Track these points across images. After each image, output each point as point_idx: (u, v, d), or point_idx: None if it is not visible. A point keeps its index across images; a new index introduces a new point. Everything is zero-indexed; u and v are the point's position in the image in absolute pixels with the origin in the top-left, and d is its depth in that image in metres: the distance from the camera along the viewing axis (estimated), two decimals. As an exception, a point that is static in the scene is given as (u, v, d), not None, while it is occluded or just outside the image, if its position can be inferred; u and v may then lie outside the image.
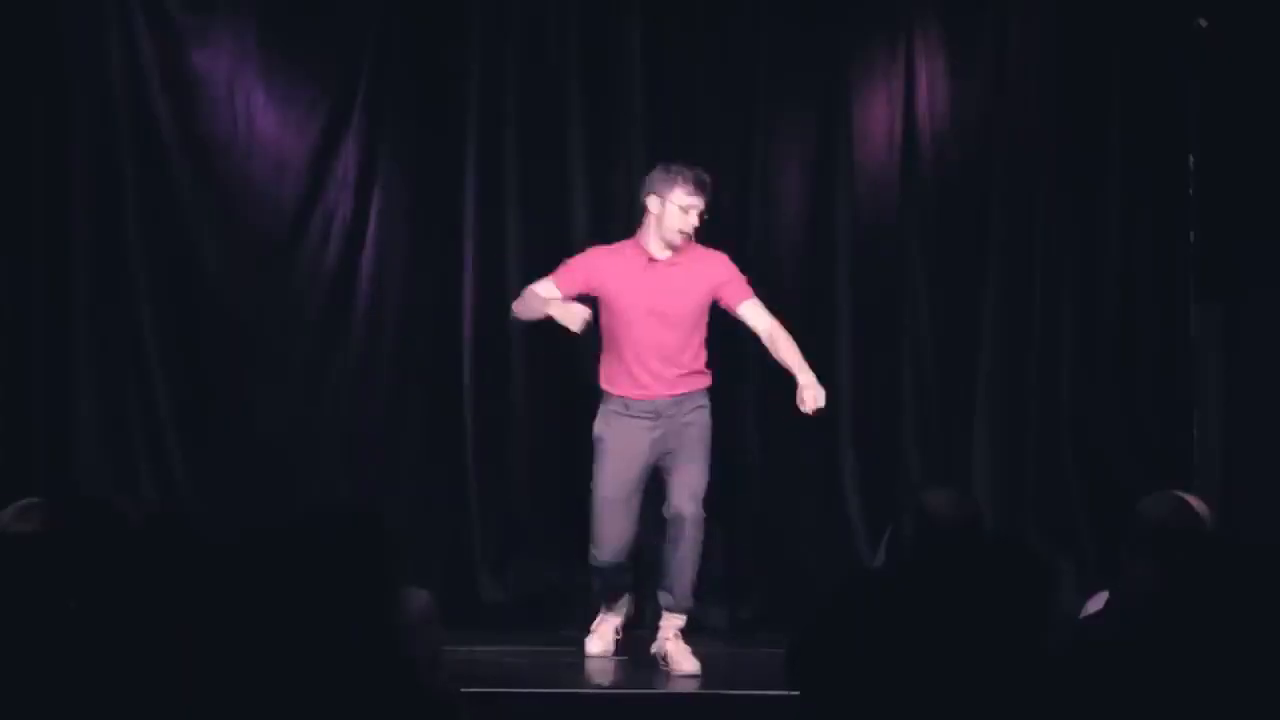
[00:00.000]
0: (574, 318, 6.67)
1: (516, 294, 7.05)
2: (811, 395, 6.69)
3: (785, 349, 6.79)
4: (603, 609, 7.16)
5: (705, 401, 6.89)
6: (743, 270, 6.98)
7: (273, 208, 7.69)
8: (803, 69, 7.74)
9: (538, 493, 7.77)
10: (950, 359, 7.81)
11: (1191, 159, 7.76)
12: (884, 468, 7.76)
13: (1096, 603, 4.59)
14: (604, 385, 6.90)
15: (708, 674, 6.81)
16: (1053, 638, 3.39)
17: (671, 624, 6.86)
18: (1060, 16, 7.73)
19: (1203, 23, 7.67)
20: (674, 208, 6.75)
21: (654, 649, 6.89)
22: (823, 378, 7.29)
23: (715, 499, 7.36)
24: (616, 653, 7.10)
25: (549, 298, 6.80)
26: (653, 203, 6.80)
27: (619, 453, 6.83)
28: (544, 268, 7.71)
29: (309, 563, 3.20)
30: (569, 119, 7.71)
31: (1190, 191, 7.77)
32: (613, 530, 6.86)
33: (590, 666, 6.97)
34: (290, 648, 3.14)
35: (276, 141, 7.68)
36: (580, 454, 7.75)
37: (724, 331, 7.28)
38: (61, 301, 7.61)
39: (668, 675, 6.77)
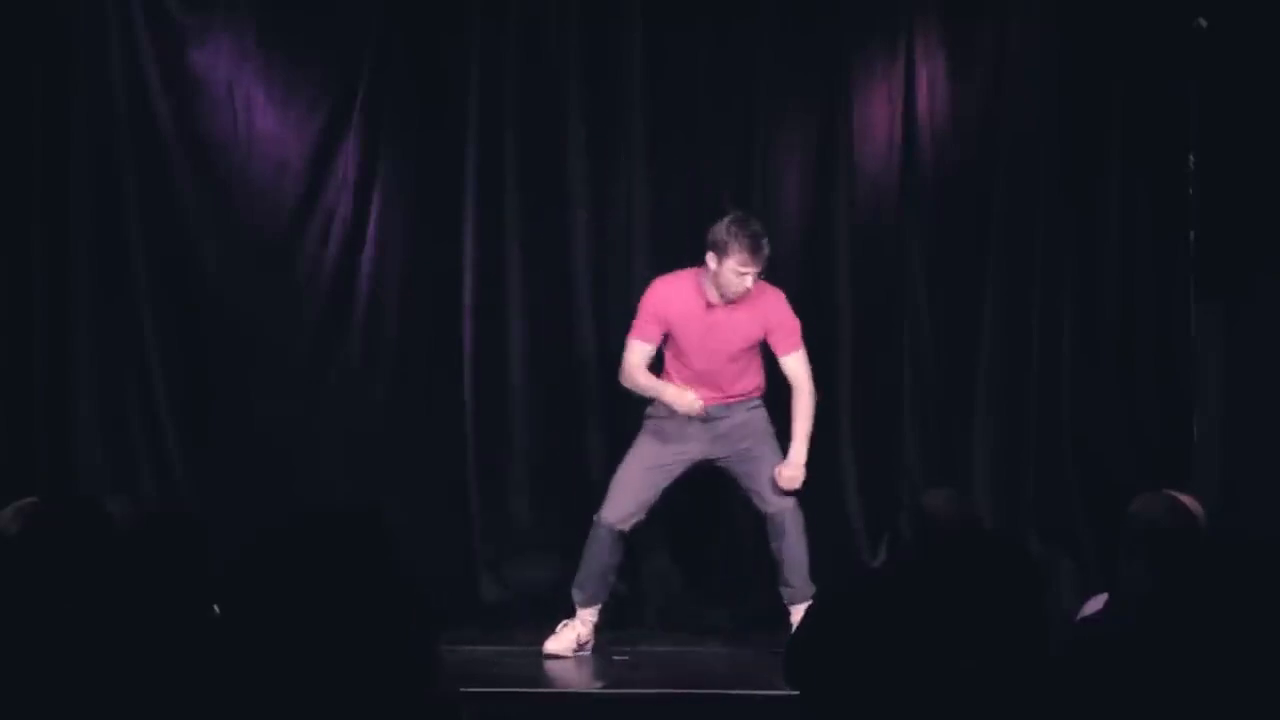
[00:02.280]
0: (690, 405, 6.99)
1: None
2: (788, 476, 7.01)
3: (800, 416, 7.07)
4: (578, 604, 7.15)
5: (758, 401, 7.14)
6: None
7: (273, 208, 7.70)
8: (803, 69, 7.74)
9: (538, 493, 7.77)
10: (950, 359, 7.82)
11: (1191, 159, 7.76)
12: (884, 468, 7.76)
13: (1095, 604, 4.59)
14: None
15: (708, 674, 6.82)
16: (1052, 638, 3.39)
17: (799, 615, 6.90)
18: (1060, 17, 7.73)
19: (1203, 23, 7.67)
20: (730, 272, 6.91)
21: None
22: (823, 378, 7.32)
23: (715, 499, 7.38)
24: (577, 652, 7.13)
25: (663, 386, 7.05)
26: (710, 259, 6.94)
27: (663, 437, 7.08)
28: (544, 267, 7.75)
29: (308, 563, 3.20)
30: (569, 119, 7.71)
31: (1190, 191, 7.77)
32: (627, 491, 7.06)
33: (565, 667, 6.97)
34: (290, 647, 3.14)
35: (276, 141, 7.68)
36: (580, 454, 7.77)
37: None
38: (61, 301, 7.61)
39: None
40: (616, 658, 7.12)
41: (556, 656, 7.07)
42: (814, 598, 6.27)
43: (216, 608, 3.91)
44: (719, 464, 7.15)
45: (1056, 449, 7.77)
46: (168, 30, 7.62)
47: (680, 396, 6.99)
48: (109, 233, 7.62)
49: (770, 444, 7.10)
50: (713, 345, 7.03)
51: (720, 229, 6.91)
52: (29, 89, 7.57)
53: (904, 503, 7.22)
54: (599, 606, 7.18)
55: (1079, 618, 4.59)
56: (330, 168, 7.70)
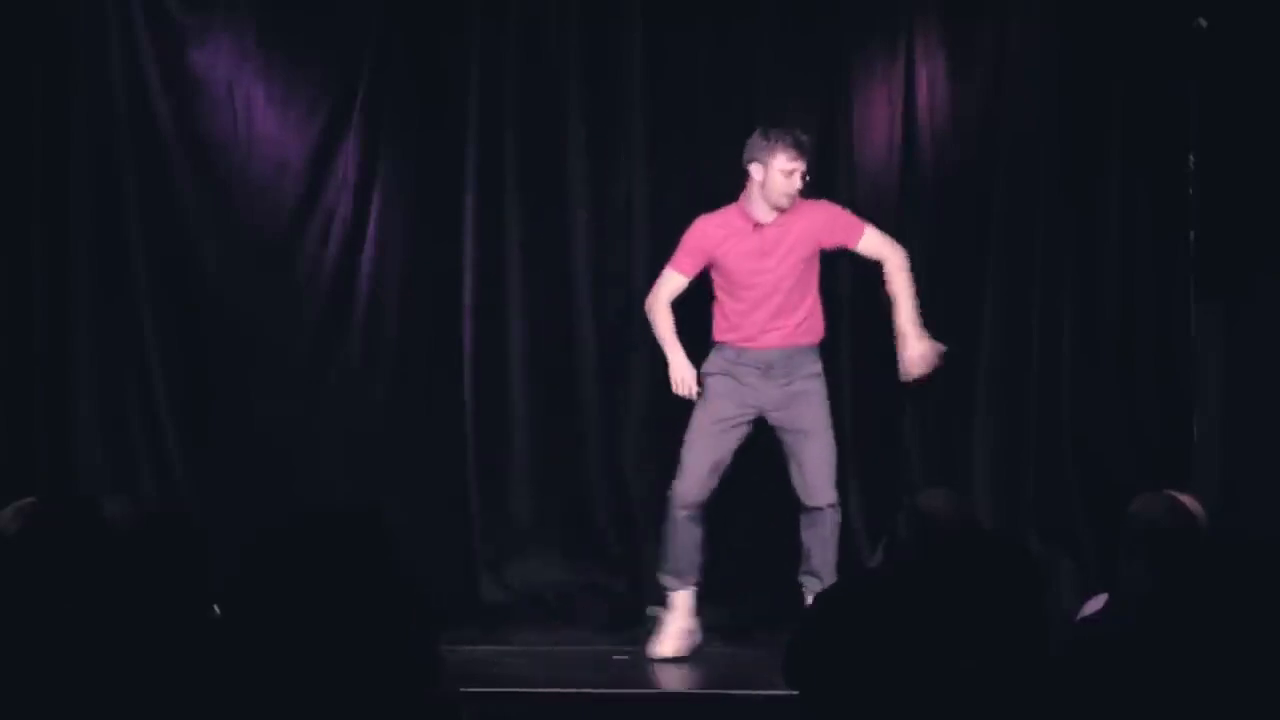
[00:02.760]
0: (681, 382, 7.04)
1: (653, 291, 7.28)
2: (916, 356, 7.12)
3: (901, 294, 7.18)
4: (670, 589, 7.07)
5: (818, 365, 7.14)
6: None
7: (273, 208, 7.70)
8: (803, 69, 7.74)
9: (538, 493, 7.77)
10: (950, 359, 7.81)
11: (1191, 159, 7.76)
12: (884, 468, 7.76)
13: (1095, 604, 4.59)
14: (717, 336, 7.15)
15: (708, 674, 6.82)
16: (1052, 638, 3.39)
17: None
18: (1060, 16, 7.72)
19: (1203, 23, 7.67)
20: (777, 173, 6.99)
21: None
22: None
23: (716, 498, 7.36)
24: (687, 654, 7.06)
25: (674, 349, 7.10)
26: (755, 170, 7.05)
27: (724, 393, 7.08)
28: (544, 267, 7.74)
29: (308, 563, 3.20)
30: (569, 119, 7.71)
31: (1190, 191, 7.77)
32: (700, 461, 7.05)
33: (565, 667, 6.94)
34: (289, 648, 3.14)
35: (276, 141, 7.68)
36: (580, 453, 7.77)
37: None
38: (61, 301, 7.61)
39: None
40: (616, 657, 7.12)
41: (671, 660, 7.01)
42: (814, 598, 6.26)
43: (216, 608, 3.91)
44: (773, 424, 7.09)
45: (1056, 449, 7.77)
46: (168, 30, 7.62)
47: (678, 369, 7.05)
48: (109, 233, 7.62)
49: (824, 425, 7.08)
50: (768, 264, 7.05)
51: (756, 139, 7.04)
52: (29, 89, 7.57)
53: (903, 503, 7.21)
54: (694, 589, 7.09)
55: (1079, 618, 4.59)
56: (330, 168, 7.70)
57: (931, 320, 7.78)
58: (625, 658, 7.10)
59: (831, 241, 7.18)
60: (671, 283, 7.19)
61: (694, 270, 7.15)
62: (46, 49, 7.57)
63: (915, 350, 7.15)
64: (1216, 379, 7.76)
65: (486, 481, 7.73)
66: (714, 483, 7.09)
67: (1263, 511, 7.14)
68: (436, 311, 7.76)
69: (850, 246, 7.21)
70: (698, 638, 7.12)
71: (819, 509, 7.01)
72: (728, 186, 7.67)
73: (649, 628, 7.26)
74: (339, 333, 7.74)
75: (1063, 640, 3.57)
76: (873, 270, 7.71)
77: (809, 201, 7.15)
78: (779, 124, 7.14)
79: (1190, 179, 7.76)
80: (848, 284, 7.73)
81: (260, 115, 7.66)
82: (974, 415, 7.80)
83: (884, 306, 7.62)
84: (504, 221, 7.72)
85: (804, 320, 7.14)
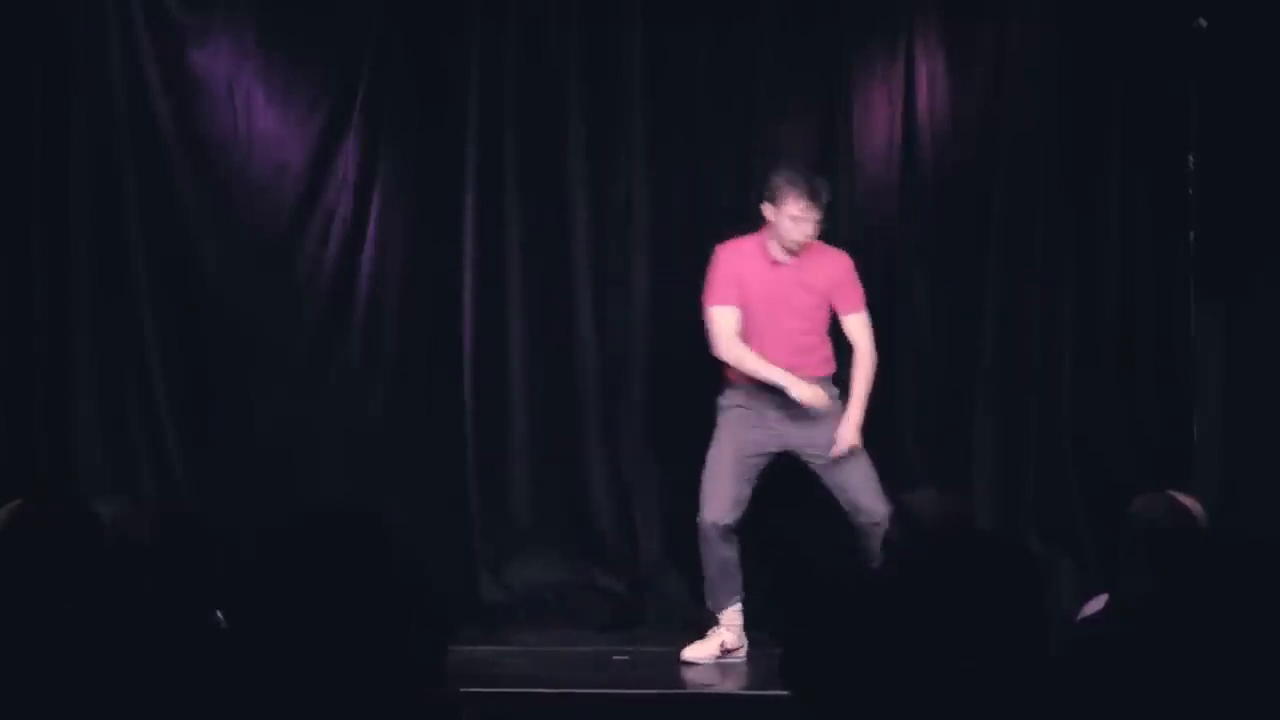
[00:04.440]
0: (810, 395, 6.90)
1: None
2: (843, 436, 6.94)
3: (859, 378, 7.04)
4: (715, 611, 7.03)
5: (834, 390, 7.05)
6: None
7: (273, 208, 7.69)
8: (803, 69, 7.74)
9: (538, 493, 7.77)
10: (950, 359, 7.81)
11: (1191, 159, 7.76)
12: (884, 468, 7.75)
13: (1095, 604, 4.59)
14: (733, 378, 7.03)
15: (708, 674, 6.82)
16: (1052, 638, 3.39)
17: None
18: (1060, 16, 7.72)
19: (1203, 23, 7.67)
20: (786, 220, 6.90)
21: None
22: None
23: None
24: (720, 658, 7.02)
25: (779, 372, 6.91)
26: (768, 210, 6.95)
27: (746, 423, 6.98)
28: (544, 267, 7.74)
29: (308, 563, 3.20)
30: (569, 119, 7.70)
31: (1190, 191, 7.77)
32: (720, 486, 6.94)
33: (566, 667, 6.95)
34: (289, 648, 3.14)
35: (276, 141, 7.68)
36: (580, 454, 7.77)
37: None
38: (61, 301, 7.61)
39: None
40: (616, 657, 7.11)
41: (694, 663, 6.98)
42: (814, 598, 6.25)
43: (216, 608, 3.92)
44: (806, 459, 7.02)
45: (1056, 449, 7.77)
46: (168, 30, 7.62)
47: (798, 384, 6.88)
48: (109, 233, 7.62)
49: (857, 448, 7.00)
50: (780, 305, 6.96)
51: (775, 177, 6.94)
52: (29, 89, 7.57)
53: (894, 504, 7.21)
54: (739, 605, 7.03)
55: (1079, 618, 4.59)
56: (330, 168, 7.70)
57: (932, 320, 7.80)
58: (625, 658, 7.10)
59: (832, 297, 7.09)
60: (727, 319, 6.96)
61: (738, 298, 6.97)
62: (46, 49, 7.56)
63: (847, 437, 6.98)
64: (1216, 379, 7.76)
65: (486, 481, 7.72)
66: (740, 511, 6.98)
67: (1263, 511, 7.14)
68: (436, 311, 7.76)
69: (839, 312, 7.10)
70: (742, 652, 7.04)
71: (877, 525, 6.71)
72: (728, 186, 7.68)
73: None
74: (339, 333, 7.74)
75: (1063, 640, 3.57)
76: (873, 270, 7.71)
77: (830, 250, 7.09)
78: (795, 166, 7.06)
79: (1190, 179, 7.76)
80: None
81: (260, 115, 7.66)
82: (974, 415, 7.80)
83: (884, 306, 7.63)
84: (504, 221, 7.71)
85: (821, 360, 7.08)
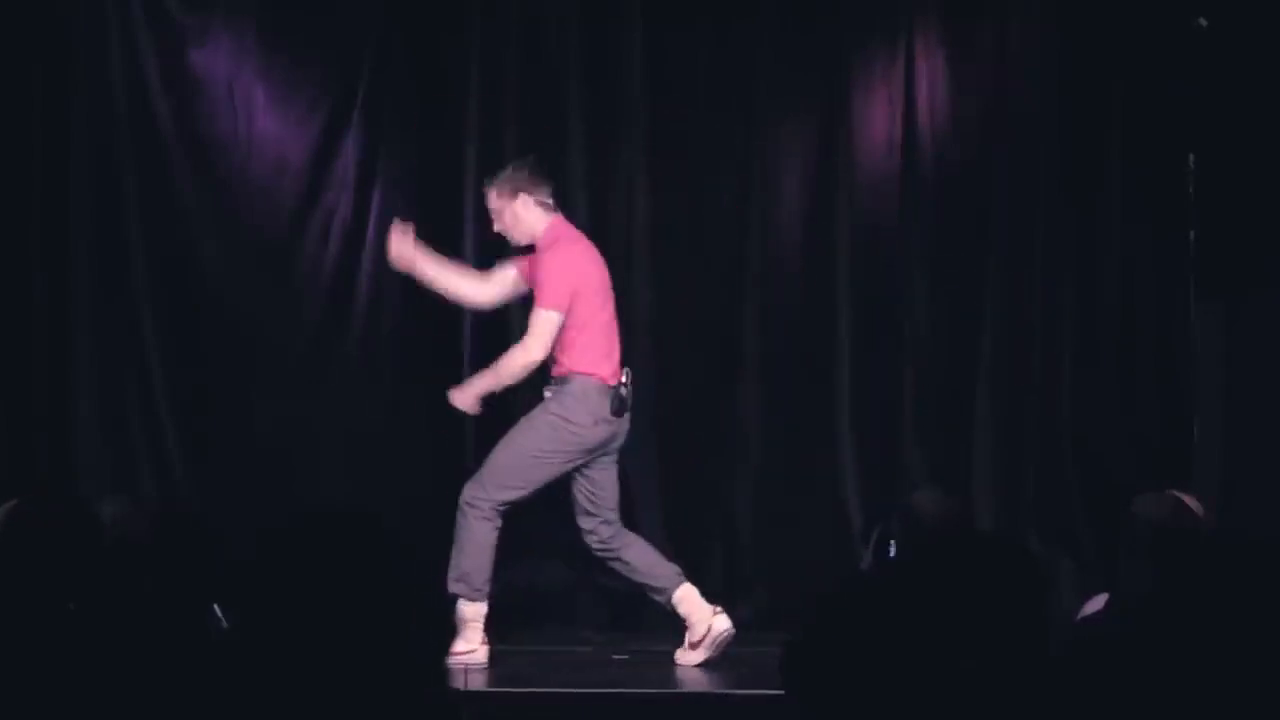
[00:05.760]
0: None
1: None
2: (460, 396, 6.86)
3: (503, 361, 6.87)
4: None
5: (552, 391, 6.89)
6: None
7: (273, 208, 7.70)
8: (803, 69, 7.74)
9: (538, 493, 7.76)
10: (950, 359, 7.81)
11: (1191, 159, 7.76)
12: (884, 468, 7.76)
13: (1095, 604, 4.59)
14: None
15: (708, 674, 6.81)
16: (1052, 638, 3.39)
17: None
18: (1060, 17, 7.73)
19: (1203, 23, 7.67)
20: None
21: None
22: (823, 377, 7.31)
23: (716, 497, 7.36)
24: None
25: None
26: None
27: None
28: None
29: (308, 563, 3.20)
30: (569, 119, 7.71)
31: (1190, 191, 7.77)
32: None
33: (565, 667, 6.93)
34: (288, 648, 3.14)
35: (276, 141, 7.68)
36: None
37: (723, 332, 7.27)
38: (61, 301, 7.61)
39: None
40: (616, 657, 7.11)
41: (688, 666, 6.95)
42: (813, 598, 6.25)
43: (216, 608, 3.92)
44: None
45: (1056, 449, 7.77)
46: (168, 30, 7.62)
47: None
48: (109, 233, 7.62)
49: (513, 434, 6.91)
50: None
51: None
52: (29, 89, 7.57)
53: (893, 504, 7.21)
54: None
55: (1079, 618, 4.59)
56: (330, 168, 7.70)
57: (932, 320, 7.80)
58: (625, 658, 7.09)
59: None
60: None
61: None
62: (46, 49, 7.57)
63: (470, 394, 6.88)
64: (1216, 379, 7.76)
65: (486, 481, 7.71)
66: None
67: (1263, 511, 7.15)
68: (436, 311, 7.75)
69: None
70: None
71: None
72: (728, 186, 7.68)
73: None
74: (339, 333, 7.74)
75: (1063, 640, 3.57)
76: (873, 270, 7.71)
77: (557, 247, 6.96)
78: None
79: (1190, 179, 7.76)
80: (847, 284, 7.73)
81: (260, 115, 7.66)
82: (974, 415, 7.80)
83: (884, 306, 7.62)
84: (504, 221, 7.70)
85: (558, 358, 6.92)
